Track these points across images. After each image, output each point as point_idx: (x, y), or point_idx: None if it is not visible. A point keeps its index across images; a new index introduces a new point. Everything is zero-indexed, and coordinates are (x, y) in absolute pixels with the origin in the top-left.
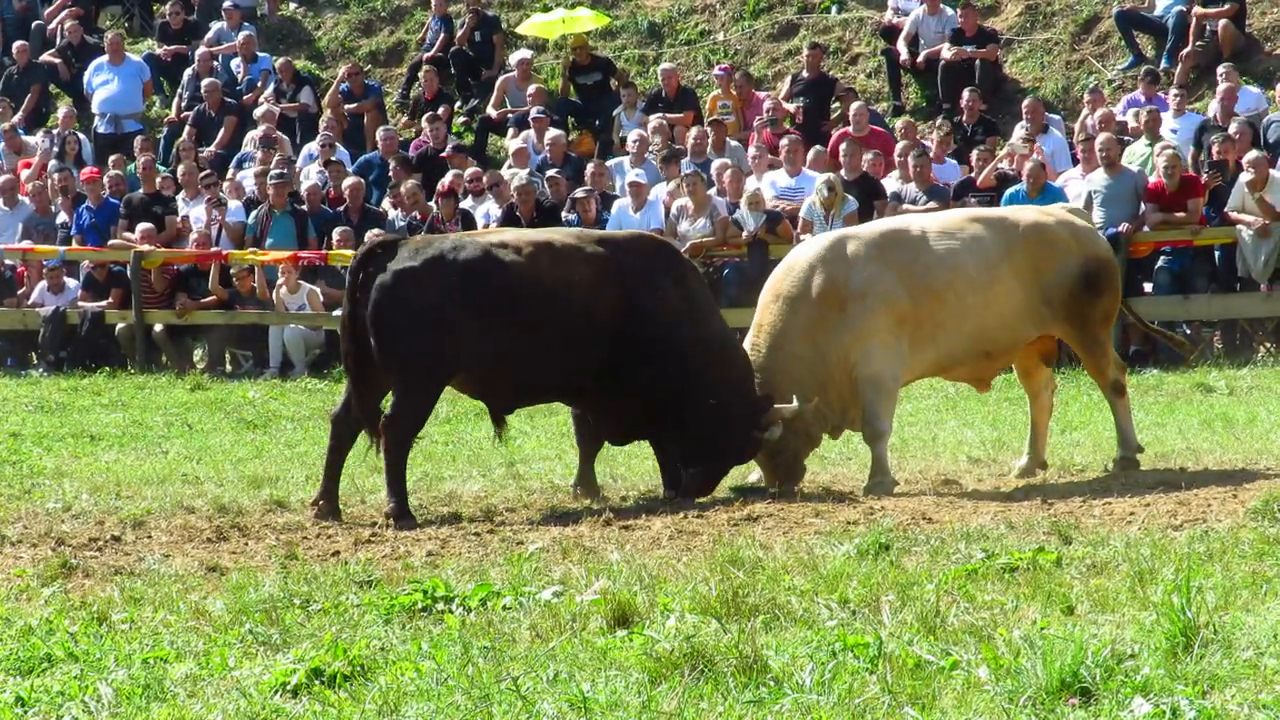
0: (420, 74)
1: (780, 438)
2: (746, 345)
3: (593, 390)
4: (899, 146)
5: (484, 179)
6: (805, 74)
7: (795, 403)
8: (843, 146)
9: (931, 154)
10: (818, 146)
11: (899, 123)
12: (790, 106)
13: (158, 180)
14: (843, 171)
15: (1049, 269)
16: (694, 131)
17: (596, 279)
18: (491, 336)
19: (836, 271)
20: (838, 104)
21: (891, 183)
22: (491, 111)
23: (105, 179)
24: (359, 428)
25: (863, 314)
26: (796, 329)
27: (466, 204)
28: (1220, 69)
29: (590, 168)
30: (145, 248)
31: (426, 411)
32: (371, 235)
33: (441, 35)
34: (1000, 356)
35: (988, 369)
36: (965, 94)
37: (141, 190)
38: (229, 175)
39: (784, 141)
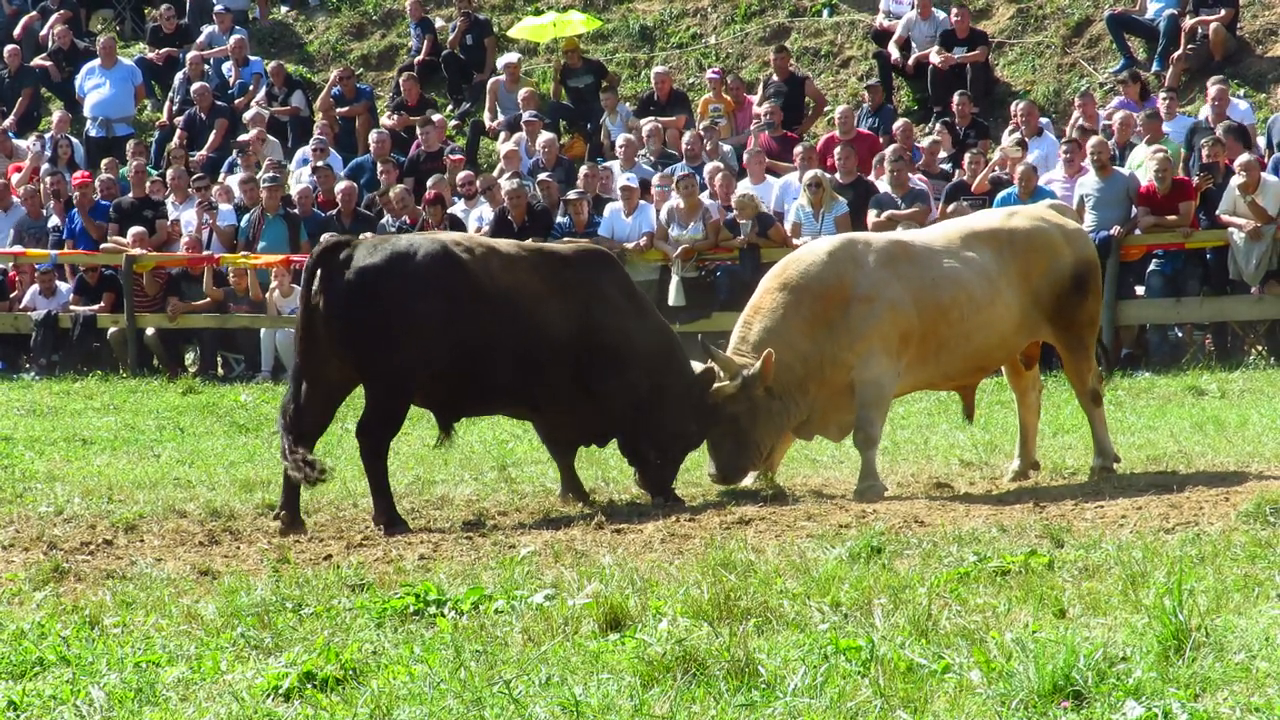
0: (401, 81)
1: (722, 404)
2: (738, 324)
3: (549, 401)
4: (883, 150)
5: (477, 183)
6: (775, 77)
7: (742, 372)
8: (836, 150)
9: (921, 160)
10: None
11: (897, 125)
12: (763, 109)
13: (147, 184)
14: (837, 175)
15: (1038, 271)
16: (687, 135)
17: (549, 290)
18: (456, 333)
19: (846, 271)
20: (811, 102)
21: (882, 185)
22: (486, 118)
23: (96, 182)
24: (318, 432)
25: (867, 318)
26: (798, 319)
27: (457, 208)
28: (1211, 81)
29: (584, 170)
30: (137, 251)
31: (401, 415)
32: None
33: (426, 39)
34: (991, 369)
35: (977, 379)
36: (956, 97)
37: (131, 194)
38: (220, 179)
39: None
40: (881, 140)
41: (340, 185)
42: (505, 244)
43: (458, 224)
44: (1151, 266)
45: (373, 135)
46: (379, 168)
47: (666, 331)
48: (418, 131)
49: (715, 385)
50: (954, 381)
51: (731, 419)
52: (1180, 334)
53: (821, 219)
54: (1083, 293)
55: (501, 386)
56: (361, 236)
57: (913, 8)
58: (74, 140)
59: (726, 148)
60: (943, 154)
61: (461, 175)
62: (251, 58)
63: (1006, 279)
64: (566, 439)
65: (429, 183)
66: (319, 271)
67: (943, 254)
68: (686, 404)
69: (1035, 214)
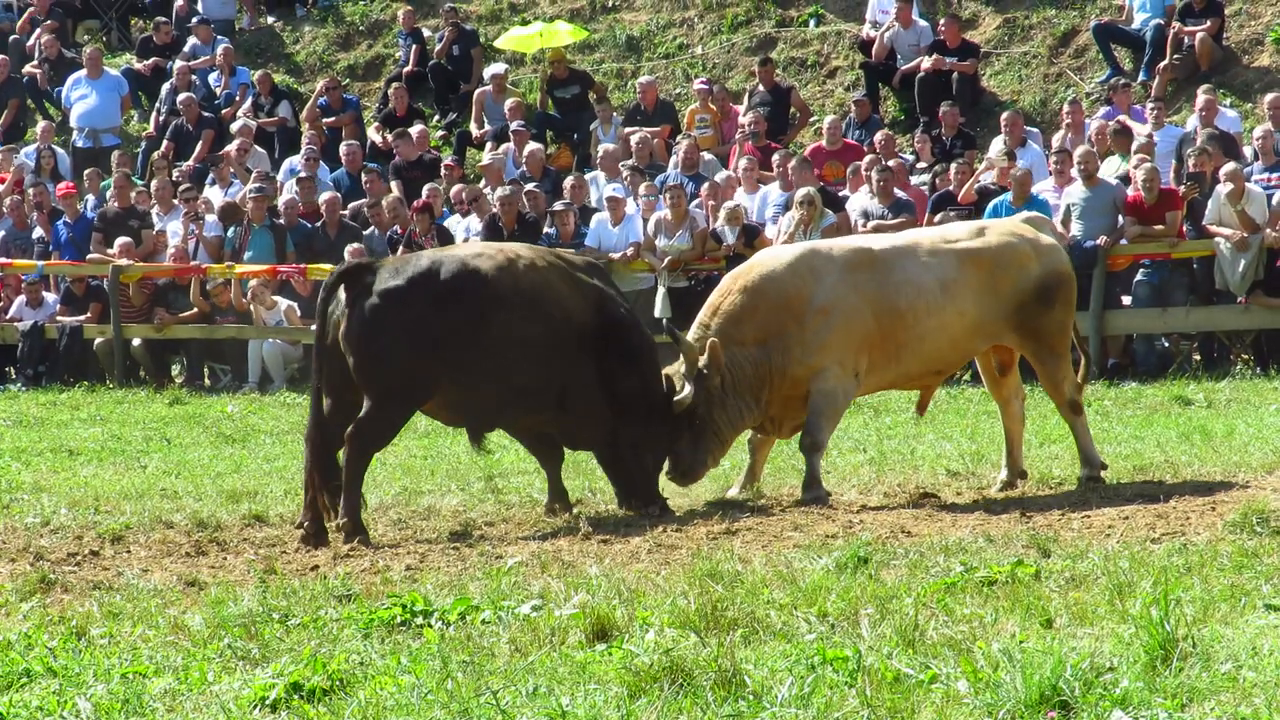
0: (391, 91)
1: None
2: (696, 323)
3: (574, 405)
4: (865, 161)
5: (463, 194)
6: (760, 87)
7: (690, 388)
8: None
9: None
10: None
11: (879, 136)
12: (747, 119)
13: (133, 195)
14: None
15: (1006, 286)
16: (684, 144)
17: (570, 291)
18: (474, 353)
19: (805, 283)
20: (796, 113)
21: (863, 197)
22: (473, 128)
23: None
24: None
25: (821, 331)
26: (751, 325)
27: (452, 221)
28: (1200, 91)
29: (569, 180)
30: (124, 262)
31: (395, 429)
32: (351, 250)
33: (414, 49)
34: (948, 372)
35: (934, 383)
36: (943, 108)
37: (116, 205)
38: (206, 189)
39: (776, 156)
40: (866, 150)
41: (325, 196)
42: (526, 251)
43: (445, 233)
44: (1138, 276)
45: (344, 148)
46: (364, 179)
47: (650, 341)
48: (392, 144)
49: (676, 398)
50: (913, 382)
51: (688, 410)
52: (1167, 344)
53: (810, 234)
54: (1049, 303)
55: (525, 396)
56: (383, 260)
57: (894, 17)
58: (59, 151)
59: (709, 158)
60: (922, 164)
61: (454, 190)
62: (238, 67)
63: (968, 286)
64: (575, 444)
65: (424, 190)
66: (341, 291)
67: (902, 256)
68: (668, 409)
69: (1007, 228)
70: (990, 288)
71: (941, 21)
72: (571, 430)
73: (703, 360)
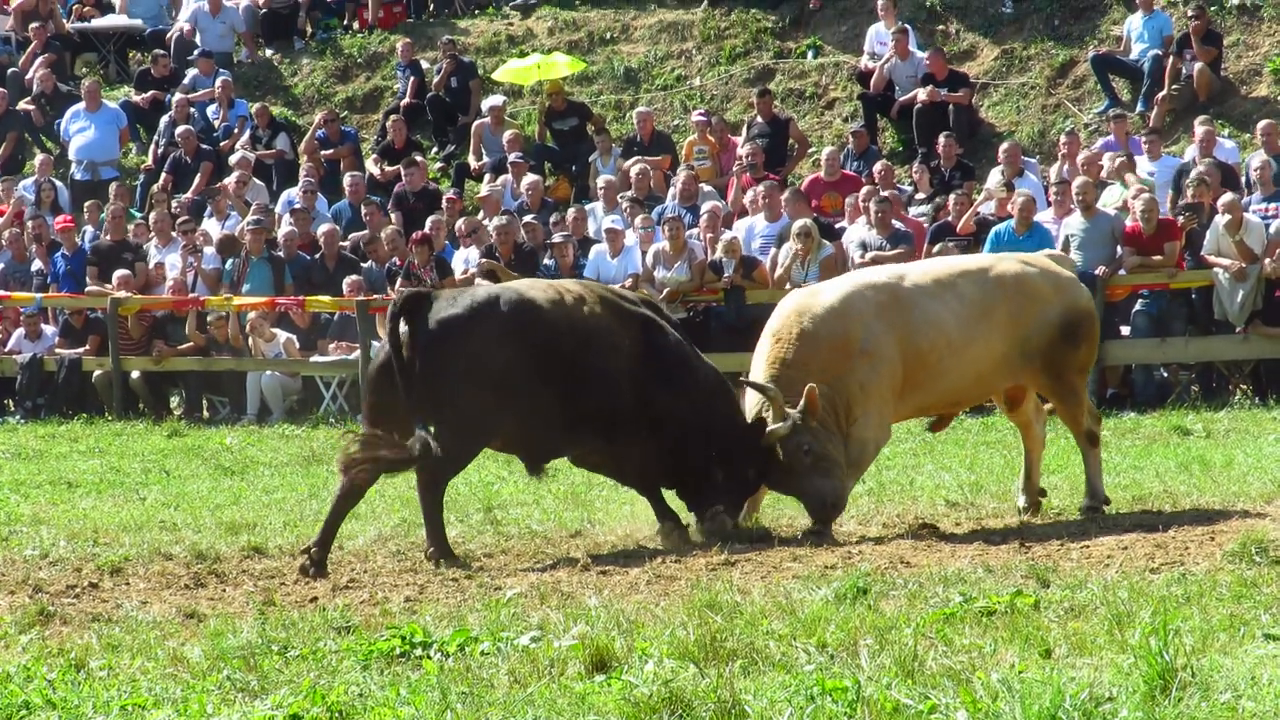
0: (389, 123)
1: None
2: (762, 375)
3: (628, 430)
4: (863, 192)
5: (461, 226)
6: (759, 118)
7: (787, 420)
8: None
9: (907, 199)
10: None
11: (878, 166)
12: (746, 150)
13: (131, 227)
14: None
15: (1027, 320)
16: (683, 176)
17: (619, 321)
18: (539, 384)
19: (853, 327)
20: (794, 144)
21: (861, 228)
22: (471, 160)
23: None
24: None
25: (869, 373)
26: (818, 367)
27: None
28: (1198, 121)
29: (571, 213)
30: (122, 294)
31: (467, 458)
32: (349, 283)
33: (411, 81)
34: (966, 405)
35: (951, 413)
36: (941, 139)
37: (109, 237)
38: (204, 222)
39: (761, 187)
40: (864, 181)
41: (323, 228)
42: (575, 286)
43: (444, 266)
44: (1137, 306)
45: (347, 179)
46: (363, 210)
47: (716, 372)
48: (402, 174)
49: (769, 429)
50: (926, 413)
51: (804, 450)
52: (1165, 374)
53: (808, 266)
54: (1073, 342)
55: (580, 424)
56: (439, 289)
57: (892, 49)
58: (58, 183)
59: (708, 189)
60: (921, 195)
61: (460, 223)
62: (237, 99)
63: (989, 322)
64: (636, 477)
65: (427, 222)
66: (402, 321)
67: (928, 294)
68: (743, 449)
69: (1027, 259)
70: (1011, 321)
71: (927, 53)
72: (619, 462)
73: (800, 406)
